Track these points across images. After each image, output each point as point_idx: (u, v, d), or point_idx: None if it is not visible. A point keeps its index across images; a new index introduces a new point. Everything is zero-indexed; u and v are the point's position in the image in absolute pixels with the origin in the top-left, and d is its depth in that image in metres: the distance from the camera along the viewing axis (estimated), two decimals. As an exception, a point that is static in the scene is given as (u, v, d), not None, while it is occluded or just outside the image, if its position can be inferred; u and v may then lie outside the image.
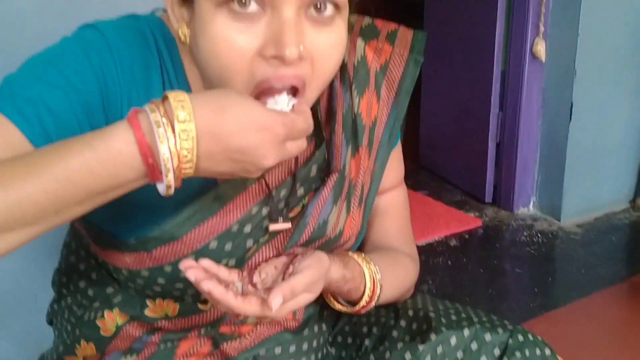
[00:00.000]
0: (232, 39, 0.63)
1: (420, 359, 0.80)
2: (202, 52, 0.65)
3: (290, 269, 0.69)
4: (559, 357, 0.84)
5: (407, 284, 0.92)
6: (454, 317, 0.84)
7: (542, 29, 2.46)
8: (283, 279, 0.70)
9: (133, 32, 0.71)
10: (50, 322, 0.94)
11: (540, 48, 2.47)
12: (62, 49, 0.68)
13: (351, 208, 0.83)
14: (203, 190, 0.73)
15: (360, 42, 0.86)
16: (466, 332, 0.82)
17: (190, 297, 0.79)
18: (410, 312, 0.88)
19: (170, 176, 0.55)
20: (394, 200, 0.94)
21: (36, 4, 1.30)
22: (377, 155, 0.86)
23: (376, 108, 0.86)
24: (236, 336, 0.83)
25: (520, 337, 0.82)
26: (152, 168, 0.54)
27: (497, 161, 2.76)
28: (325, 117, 0.84)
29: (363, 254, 0.84)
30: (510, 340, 0.82)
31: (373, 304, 0.83)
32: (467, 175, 2.91)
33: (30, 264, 1.38)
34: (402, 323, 0.87)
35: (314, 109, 0.82)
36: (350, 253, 0.83)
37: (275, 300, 0.62)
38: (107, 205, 0.59)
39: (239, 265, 0.76)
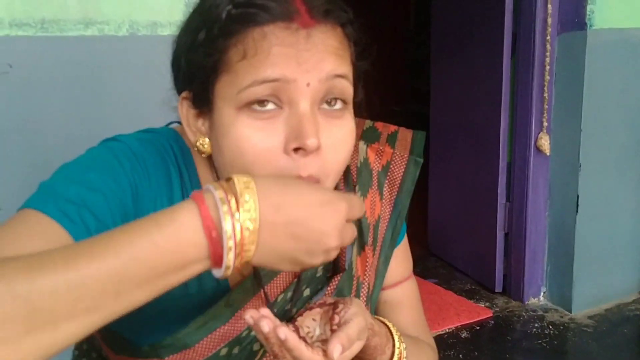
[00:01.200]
0: (255, 137, 0.66)
1: None
2: (225, 154, 0.68)
3: (337, 319, 0.68)
4: None
5: None
6: None
7: (545, 124, 2.53)
8: (331, 329, 0.69)
9: (154, 144, 0.76)
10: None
11: (544, 142, 2.53)
12: (94, 156, 0.72)
13: None
14: (215, 296, 0.76)
15: (362, 145, 0.90)
16: None
17: None
18: None
19: (231, 255, 0.54)
20: (405, 292, 0.96)
21: (62, 113, 1.38)
22: (380, 252, 0.89)
23: (379, 206, 0.89)
24: None
25: None
26: (215, 243, 0.54)
27: (506, 251, 2.77)
28: None
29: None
30: None
31: None
32: (477, 264, 2.92)
33: None
34: None
35: None
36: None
37: (336, 349, 0.63)
38: None
39: None
